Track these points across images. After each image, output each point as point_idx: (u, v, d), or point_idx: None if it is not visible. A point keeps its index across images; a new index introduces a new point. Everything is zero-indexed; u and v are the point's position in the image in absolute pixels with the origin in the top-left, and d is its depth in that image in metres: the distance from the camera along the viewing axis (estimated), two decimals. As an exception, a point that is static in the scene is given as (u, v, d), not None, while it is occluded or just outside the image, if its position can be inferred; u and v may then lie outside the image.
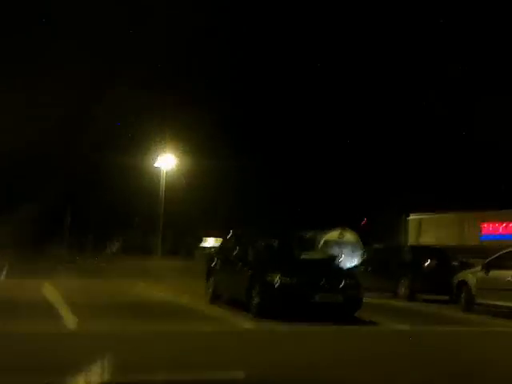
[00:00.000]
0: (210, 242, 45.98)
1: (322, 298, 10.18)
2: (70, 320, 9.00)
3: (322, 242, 25.49)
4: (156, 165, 41.30)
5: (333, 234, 26.39)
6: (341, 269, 13.11)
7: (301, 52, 44.05)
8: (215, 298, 12.65)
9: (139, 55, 46.04)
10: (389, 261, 17.55)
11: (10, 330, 7.83)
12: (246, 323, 9.54)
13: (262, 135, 45.66)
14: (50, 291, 13.59)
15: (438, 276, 15.59)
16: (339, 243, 25.76)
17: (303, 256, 12.25)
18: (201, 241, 48.97)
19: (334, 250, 23.49)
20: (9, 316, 9.29)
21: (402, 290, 16.07)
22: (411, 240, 26.29)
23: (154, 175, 42.26)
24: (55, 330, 8.22)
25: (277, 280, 10.23)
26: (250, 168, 43.11)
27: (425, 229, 26.21)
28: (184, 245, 50.88)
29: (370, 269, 17.89)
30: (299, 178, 44.12)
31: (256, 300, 10.41)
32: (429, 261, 16.51)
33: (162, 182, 40.96)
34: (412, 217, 27.60)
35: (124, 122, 49.01)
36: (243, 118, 45.60)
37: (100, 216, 59.00)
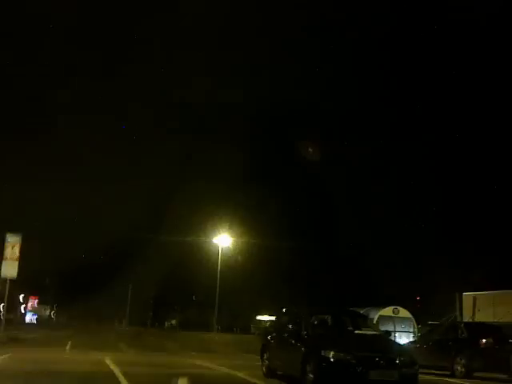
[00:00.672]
0: (265, 318, 45.51)
1: (378, 375, 9.80)
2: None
3: (376, 317, 24.89)
4: (214, 241, 42.41)
5: (387, 310, 25.77)
6: (396, 345, 12.66)
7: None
8: (270, 373, 12.45)
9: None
10: (444, 338, 16.94)
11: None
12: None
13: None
14: (111, 365, 13.66)
15: (495, 354, 14.90)
16: (393, 319, 25.08)
17: (357, 332, 11.95)
18: (255, 316, 48.42)
19: (389, 326, 22.85)
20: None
21: (459, 369, 15.37)
22: (466, 318, 25.35)
23: (212, 254, 43.09)
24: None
25: (331, 356, 9.98)
26: (303, 248, 42.95)
27: (480, 306, 25.25)
28: (239, 320, 50.50)
29: (425, 346, 17.28)
30: (348, 258, 43.71)
31: (310, 376, 10.17)
32: (485, 338, 15.81)
33: (219, 258, 41.51)
34: (466, 294, 26.70)
35: (196, 207, 50.42)
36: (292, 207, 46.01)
37: (160, 292, 59.65)
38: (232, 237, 42.90)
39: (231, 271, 43.43)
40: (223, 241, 42.33)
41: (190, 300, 58.55)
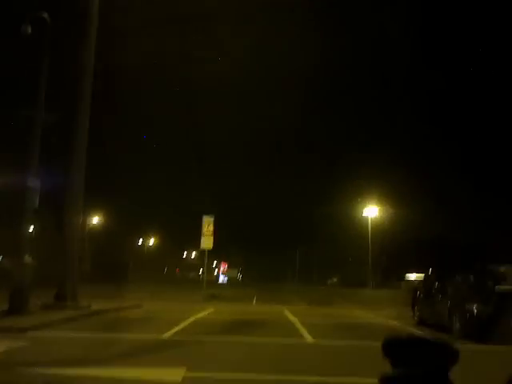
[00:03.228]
0: (414, 276, 44.19)
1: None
2: (307, 336, 9.73)
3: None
4: (364, 214, 42.22)
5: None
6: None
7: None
8: (420, 323, 12.56)
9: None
10: None
11: (268, 340, 8.87)
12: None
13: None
14: (290, 315, 14.57)
15: None
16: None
17: (497, 287, 11.58)
18: (405, 274, 47.20)
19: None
20: (262, 330, 10.42)
21: None
22: None
23: (363, 222, 42.97)
24: (299, 342, 9.02)
25: (474, 309, 9.96)
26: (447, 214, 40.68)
27: None
28: (392, 277, 49.71)
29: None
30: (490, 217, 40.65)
31: (456, 326, 10.28)
32: None
33: (369, 227, 41.31)
34: None
35: (341, 180, 50.41)
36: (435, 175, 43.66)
37: (322, 255, 60.73)
38: (379, 206, 42.52)
39: (381, 234, 43.02)
40: (372, 212, 42.19)
41: (347, 260, 58.76)
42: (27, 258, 11.57)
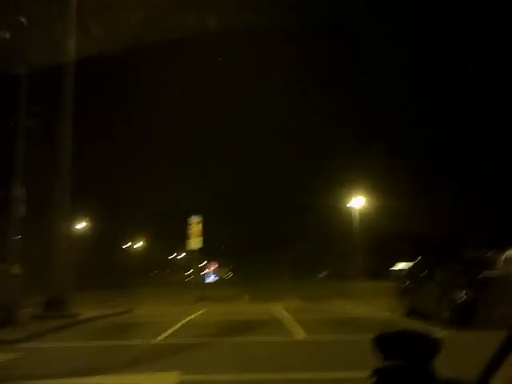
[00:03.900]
0: (401, 266, 44.56)
1: (502, 310, 9.73)
2: (300, 332, 9.79)
3: (502, 259, 23.55)
4: (348, 205, 42.46)
5: (512, 252, 24.22)
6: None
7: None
8: (410, 312, 12.66)
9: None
10: None
11: (256, 340, 8.91)
12: (437, 332, 9.47)
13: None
14: (282, 312, 14.60)
15: None
16: (519, 260, 23.55)
17: (484, 274, 11.74)
18: (393, 265, 47.60)
19: (514, 267, 21.56)
20: (255, 329, 10.46)
21: None
22: None
23: (347, 213, 43.24)
24: (292, 339, 9.07)
25: (461, 297, 10.11)
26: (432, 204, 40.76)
27: None
28: (378, 269, 50.04)
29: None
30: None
31: (444, 314, 10.39)
32: None
33: (356, 218, 41.56)
34: None
35: (325, 168, 50.31)
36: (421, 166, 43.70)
37: (312, 250, 61.10)
38: (365, 197, 42.82)
39: (366, 225, 43.35)
40: (358, 203, 42.45)
41: (336, 254, 59.07)
42: (16, 268, 11.45)
